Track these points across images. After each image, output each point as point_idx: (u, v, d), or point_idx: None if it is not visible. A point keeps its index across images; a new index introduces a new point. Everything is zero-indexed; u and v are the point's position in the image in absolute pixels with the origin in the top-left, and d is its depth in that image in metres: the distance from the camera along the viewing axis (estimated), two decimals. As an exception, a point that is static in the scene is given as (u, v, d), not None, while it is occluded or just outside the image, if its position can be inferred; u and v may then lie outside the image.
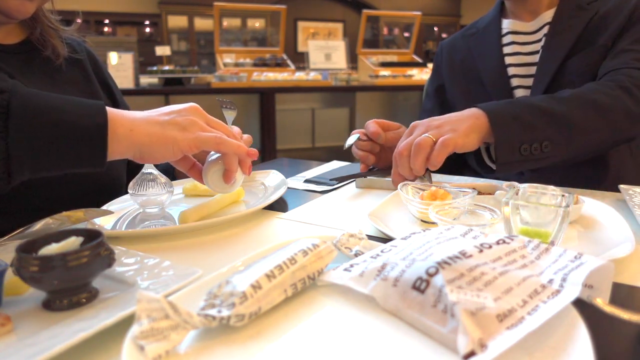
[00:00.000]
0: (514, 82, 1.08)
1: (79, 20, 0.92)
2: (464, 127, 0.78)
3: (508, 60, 1.09)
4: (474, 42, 1.17)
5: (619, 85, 0.87)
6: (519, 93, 1.08)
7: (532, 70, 1.06)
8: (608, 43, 0.97)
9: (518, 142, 0.80)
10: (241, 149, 0.65)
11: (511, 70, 1.09)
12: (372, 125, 0.95)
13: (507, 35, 1.12)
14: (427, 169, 0.97)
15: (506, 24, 1.13)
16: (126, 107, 1.00)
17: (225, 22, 6.56)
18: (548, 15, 1.06)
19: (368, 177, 0.90)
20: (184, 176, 0.93)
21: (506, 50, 1.11)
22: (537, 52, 1.06)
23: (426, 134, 0.77)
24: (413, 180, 0.78)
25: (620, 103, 0.85)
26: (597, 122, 0.84)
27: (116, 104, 0.96)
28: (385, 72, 4.08)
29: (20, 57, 0.79)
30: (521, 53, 1.09)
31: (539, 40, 1.07)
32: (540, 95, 0.88)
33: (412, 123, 0.82)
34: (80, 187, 0.77)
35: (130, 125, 0.58)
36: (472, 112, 0.81)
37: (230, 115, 0.89)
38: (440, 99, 1.24)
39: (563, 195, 0.57)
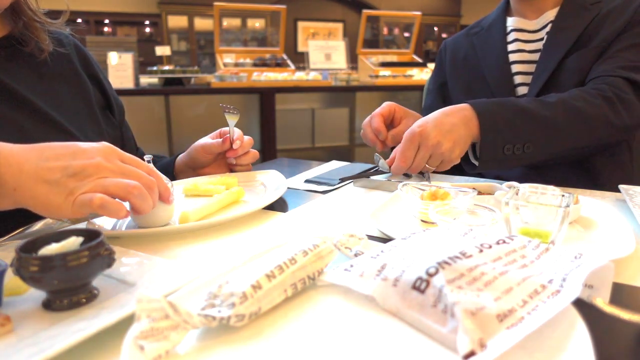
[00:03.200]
0: (517, 79, 1.09)
1: (68, 12, 0.89)
2: (459, 146, 0.85)
3: (512, 57, 1.11)
4: (478, 40, 1.18)
5: (602, 95, 0.90)
6: (521, 90, 1.08)
7: (534, 67, 1.06)
8: (604, 43, 0.98)
9: (502, 143, 0.85)
10: (120, 214, 0.54)
11: (514, 68, 1.10)
12: (377, 121, 1.00)
13: (511, 33, 1.13)
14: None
15: (510, 22, 1.14)
16: (119, 104, 0.99)
17: (225, 22, 6.57)
18: (552, 14, 1.07)
19: (368, 177, 0.91)
20: (183, 176, 0.93)
21: (510, 47, 1.12)
22: (539, 50, 1.07)
23: (426, 165, 0.86)
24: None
25: (601, 113, 0.89)
26: (578, 128, 0.88)
27: (108, 100, 0.95)
28: (385, 72, 4.08)
29: (3, 53, 0.78)
30: (524, 50, 1.10)
31: (542, 39, 1.08)
32: (528, 97, 0.92)
33: (417, 131, 0.83)
34: None
35: (14, 184, 0.51)
36: (464, 114, 0.85)
37: (232, 119, 0.88)
38: (442, 96, 1.25)
39: (563, 195, 0.57)
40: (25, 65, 0.80)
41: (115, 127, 0.96)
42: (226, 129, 0.91)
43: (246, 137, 0.91)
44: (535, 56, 1.08)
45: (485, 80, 1.13)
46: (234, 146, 0.89)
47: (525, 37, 1.11)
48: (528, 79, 1.08)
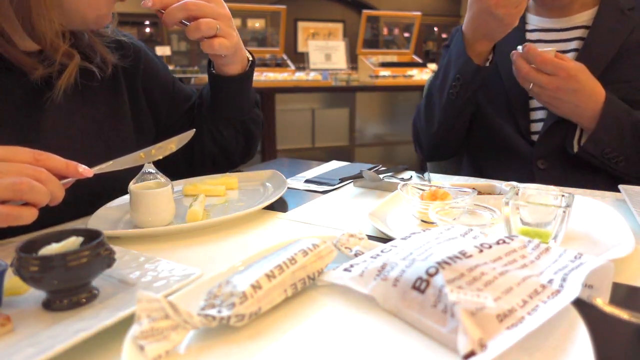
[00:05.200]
0: None
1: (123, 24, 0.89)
2: (566, 113, 0.93)
3: None
4: None
5: None
6: None
7: None
8: None
9: (604, 147, 0.91)
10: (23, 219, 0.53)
11: None
12: None
13: (535, 32, 1.09)
14: (428, 171, 0.97)
15: (534, 21, 1.11)
16: (168, 94, 0.96)
17: (225, 22, 6.54)
18: (582, 17, 1.03)
19: (368, 178, 0.90)
20: (183, 175, 0.93)
21: None
22: (563, 52, 1.02)
23: (542, 91, 0.91)
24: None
25: None
26: None
27: (139, 110, 0.91)
28: (385, 72, 4.07)
29: (44, 81, 0.75)
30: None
31: (568, 40, 1.04)
32: None
33: (571, 72, 0.88)
34: (80, 188, 0.77)
35: None
36: (597, 100, 0.90)
37: None
38: None
39: (563, 195, 0.57)
40: (72, 81, 0.76)
41: (151, 133, 0.94)
42: None
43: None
44: None
45: (500, 77, 1.09)
46: (165, 22, 0.77)
47: (550, 36, 1.07)
48: None
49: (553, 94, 0.90)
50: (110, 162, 0.65)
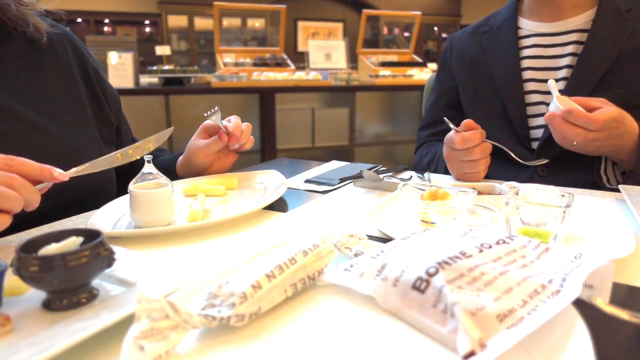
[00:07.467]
0: (530, 86, 1.05)
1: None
2: (605, 152, 0.90)
3: (526, 63, 1.06)
4: (487, 41, 1.13)
5: None
6: (533, 97, 1.04)
7: (551, 75, 1.03)
8: None
9: None
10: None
11: (528, 74, 1.05)
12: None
13: (530, 38, 1.08)
14: (428, 172, 0.97)
15: (528, 25, 1.09)
16: (114, 96, 0.96)
17: (225, 22, 6.55)
18: (578, 21, 1.02)
19: (368, 178, 0.90)
20: (184, 176, 0.93)
21: (526, 52, 1.07)
22: (559, 56, 1.03)
23: (591, 144, 0.85)
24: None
25: None
26: None
27: (95, 94, 0.90)
28: (385, 72, 4.07)
29: None
30: (543, 56, 1.05)
31: (564, 45, 1.03)
32: None
33: (607, 121, 0.82)
34: (69, 194, 0.75)
35: None
36: (634, 134, 0.86)
37: (217, 117, 0.87)
38: (448, 101, 1.20)
39: (563, 195, 0.57)
40: (15, 61, 0.77)
41: (111, 123, 0.94)
42: (209, 122, 0.90)
43: (244, 124, 0.90)
44: (553, 62, 1.03)
45: (495, 86, 1.08)
46: (232, 145, 0.87)
47: (545, 41, 1.05)
48: (542, 86, 1.03)
49: (604, 142, 0.85)
50: (87, 164, 0.64)
